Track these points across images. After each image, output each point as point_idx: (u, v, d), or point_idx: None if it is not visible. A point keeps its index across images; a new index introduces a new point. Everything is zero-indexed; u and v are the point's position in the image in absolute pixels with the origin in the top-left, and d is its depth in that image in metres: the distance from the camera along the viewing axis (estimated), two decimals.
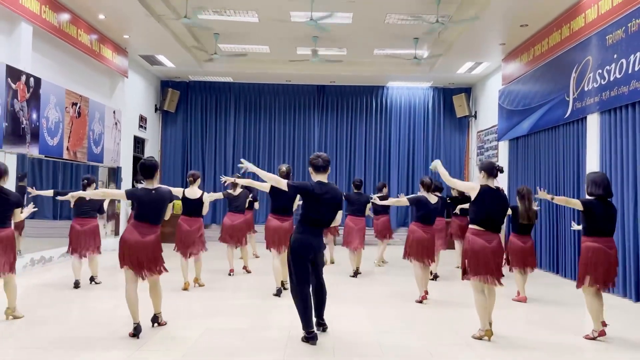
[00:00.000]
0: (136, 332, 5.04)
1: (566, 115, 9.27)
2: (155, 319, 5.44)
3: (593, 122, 8.44)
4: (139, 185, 5.63)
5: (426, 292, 6.92)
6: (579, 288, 5.39)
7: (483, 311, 5.18)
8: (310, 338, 4.93)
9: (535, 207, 7.11)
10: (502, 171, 5.22)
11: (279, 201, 6.93)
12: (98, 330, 5.34)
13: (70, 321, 5.80)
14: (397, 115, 15.67)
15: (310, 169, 5.07)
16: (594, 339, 5.29)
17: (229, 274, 8.66)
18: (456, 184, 5.64)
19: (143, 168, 5.17)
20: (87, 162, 10.96)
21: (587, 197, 5.43)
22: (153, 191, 5.15)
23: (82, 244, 7.40)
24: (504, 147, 12.46)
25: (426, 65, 13.43)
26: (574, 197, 8.89)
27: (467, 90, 15.42)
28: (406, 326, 5.80)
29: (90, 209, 7.51)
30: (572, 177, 9.20)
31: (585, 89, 8.62)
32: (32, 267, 8.89)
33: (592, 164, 8.40)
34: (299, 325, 5.05)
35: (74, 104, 10.36)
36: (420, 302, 6.87)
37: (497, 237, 5.17)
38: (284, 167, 7.13)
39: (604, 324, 5.31)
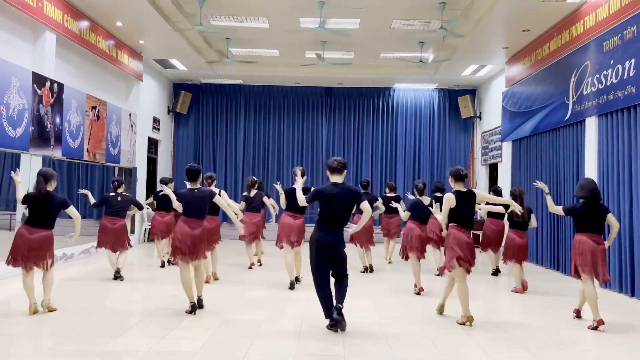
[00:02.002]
0: (193, 309, 5.90)
1: (566, 118, 9.62)
2: (199, 301, 6.10)
3: (591, 125, 8.80)
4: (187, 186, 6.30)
5: (422, 289, 7.52)
6: (574, 276, 6.08)
7: (466, 299, 5.77)
8: (333, 325, 5.33)
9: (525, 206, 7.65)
10: (467, 176, 5.94)
11: (292, 200, 7.42)
12: (129, 318, 5.83)
13: (103, 310, 6.30)
14: (403, 116, 16.05)
15: (327, 171, 5.59)
16: (595, 328, 5.73)
17: (249, 267, 9.28)
18: (439, 214, 6.28)
19: (189, 172, 6.14)
20: (105, 163, 11.42)
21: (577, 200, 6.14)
22: (195, 190, 6.07)
23: (113, 240, 7.96)
24: (507, 147, 12.80)
25: (431, 67, 13.79)
26: (572, 198, 9.29)
27: (472, 92, 15.74)
28: (410, 316, 6.24)
29: (120, 209, 8.11)
30: (571, 177, 9.54)
31: (584, 92, 8.97)
32: (56, 263, 9.31)
33: (591, 165, 8.76)
34: (312, 316, 5.41)
35: (93, 107, 10.81)
36: (418, 293, 7.42)
37: (470, 232, 5.96)
38: (298, 170, 7.56)
39: (601, 322, 5.71)
